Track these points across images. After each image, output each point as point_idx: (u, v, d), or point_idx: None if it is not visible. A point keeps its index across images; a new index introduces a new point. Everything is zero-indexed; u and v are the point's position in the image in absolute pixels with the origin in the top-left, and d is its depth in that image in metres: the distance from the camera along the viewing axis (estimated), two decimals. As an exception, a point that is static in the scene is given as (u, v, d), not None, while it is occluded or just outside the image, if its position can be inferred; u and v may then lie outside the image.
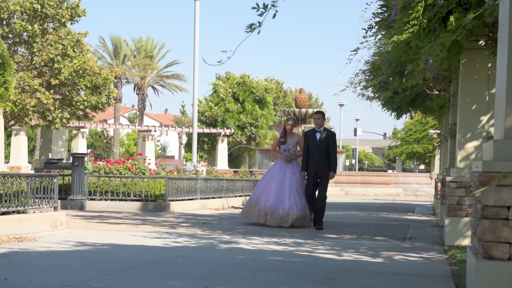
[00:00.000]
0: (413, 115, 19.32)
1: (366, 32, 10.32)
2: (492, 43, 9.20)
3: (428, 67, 8.51)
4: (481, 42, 9.56)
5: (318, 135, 12.56)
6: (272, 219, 12.33)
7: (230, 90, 55.54)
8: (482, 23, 8.23)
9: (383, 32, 10.02)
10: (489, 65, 9.59)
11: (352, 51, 10.74)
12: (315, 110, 13.61)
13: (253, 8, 4.78)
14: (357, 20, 9.74)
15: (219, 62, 5.14)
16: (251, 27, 4.77)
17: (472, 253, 4.80)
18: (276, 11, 4.85)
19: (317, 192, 12.74)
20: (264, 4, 4.79)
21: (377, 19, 9.83)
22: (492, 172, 4.46)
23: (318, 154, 12.45)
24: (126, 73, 60.89)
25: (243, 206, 14.70)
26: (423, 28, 8.36)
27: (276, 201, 12.39)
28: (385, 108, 16.53)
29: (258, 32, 4.80)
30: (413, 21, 8.12)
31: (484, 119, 9.70)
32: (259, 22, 4.76)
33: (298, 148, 12.96)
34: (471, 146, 9.79)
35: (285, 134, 13.05)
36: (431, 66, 8.42)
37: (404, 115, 17.81)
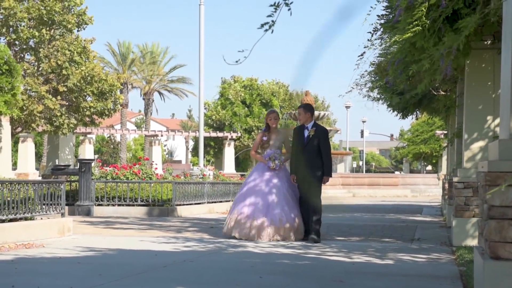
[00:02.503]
0: (419, 116, 19.28)
1: (372, 35, 10.31)
2: (498, 42, 9.18)
3: (448, 71, 8.50)
4: (487, 42, 9.54)
5: (306, 133, 10.53)
6: (261, 234, 10.27)
7: (240, 93, 55.48)
8: (487, 22, 8.21)
9: (388, 34, 10.02)
10: (495, 65, 9.57)
11: (359, 56, 10.71)
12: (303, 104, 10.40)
13: (271, 5, 4.81)
14: (362, 23, 9.73)
15: (237, 61, 5.22)
16: (269, 26, 4.80)
17: (479, 254, 4.78)
18: (289, 8, 4.87)
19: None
20: (275, 3, 4.82)
21: (382, 21, 9.84)
22: (498, 172, 4.44)
23: (305, 155, 10.42)
24: (132, 79, 61.00)
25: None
26: (427, 29, 8.35)
27: (263, 212, 10.32)
28: (391, 109, 16.51)
29: (272, 31, 4.83)
30: (416, 22, 8.11)
31: (490, 119, 9.68)
32: (272, 21, 4.79)
33: (284, 149, 11.04)
34: (477, 146, 9.77)
35: (268, 131, 10.92)
36: (449, 70, 8.41)
37: (410, 115, 17.79)
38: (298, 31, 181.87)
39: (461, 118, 12.08)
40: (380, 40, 10.77)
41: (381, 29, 10.00)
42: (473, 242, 9.59)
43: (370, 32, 10.19)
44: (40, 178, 27.61)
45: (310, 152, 10.44)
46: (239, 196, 10.83)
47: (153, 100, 63.83)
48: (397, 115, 16.90)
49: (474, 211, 9.82)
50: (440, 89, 14.70)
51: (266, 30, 4.77)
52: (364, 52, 10.70)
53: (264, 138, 10.90)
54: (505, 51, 4.72)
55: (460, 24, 7.88)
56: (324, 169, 10.44)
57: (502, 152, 4.49)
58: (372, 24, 10.11)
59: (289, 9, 4.98)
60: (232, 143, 49.17)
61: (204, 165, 29.67)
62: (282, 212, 10.34)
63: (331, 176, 10.60)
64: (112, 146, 73.50)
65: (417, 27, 8.15)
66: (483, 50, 9.62)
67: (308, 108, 10.73)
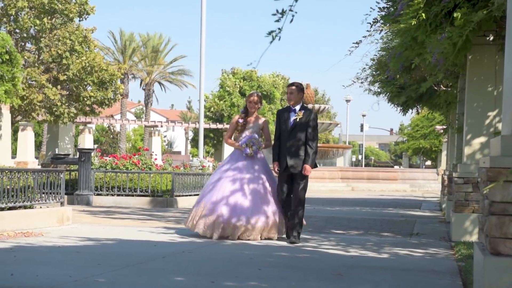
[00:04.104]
0: (419, 110, 19.28)
1: (371, 26, 10.30)
2: (500, 39, 9.16)
3: (433, 61, 8.50)
4: (489, 37, 9.52)
5: (292, 116, 9.15)
6: (226, 231, 9.15)
7: (238, 84, 55.35)
8: (490, 18, 8.20)
9: (388, 25, 10.02)
10: (497, 60, 9.56)
11: (354, 43, 10.70)
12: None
13: (273, 14, 4.77)
14: (364, 16, 9.74)
15: (248, 65, 5.27)
16: (274, 35, 4.79)
17: (479, 249, 4.78)
18: (293, 15, 4.85)
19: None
20: (282, 9, 4.80)
21: (383, 13, 9.83)
22: (500, 167, 4.43)
23: (290, 142, 9.09)
24: (133, 69, 60.96)
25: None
26: (429, 23, 8.35)
27: (233, 207, 9.08)
28: (391, 103, 16.50)
29: (279, 39, 4.83)
30: (413, 13, 8.12)
31: (491, 114, 9.67)
32: (279, 29, 4.78)
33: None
34: (478, 142, 9.76)
35: (246, 115, 9.62)
36: (436, 60, 8.41)
37: (411, 110, 17.78)
38: (296, 27, 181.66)
39: (462, 113, 12.08)
40: (379, 32, 10.78)
41: (381, 21, 10.01)
42: (472, 237, 9.60)
43: (370, 23, 10.19)
44: (39, 167, 27.61)
45: (296, 138, 9.10)
46: (208, 186, 9.49)
47: (153, 91, 63.81)
48: (397, 109, 16.91)
49: (474, 206, 9.82)
50: (441, 84, 14.69)
51: (273, 37, 4.76)
52: (361, 41, 10.69)
53: (240, 121, 9.55)
54: (509, 46, 4.70)
55: (458, 22, 7.88)
56: (306, 158, 9.07)
57: (504, 148, 4.48)
58: (371, 15, 10.12)
59: (293, 16, 4.93)
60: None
61: (203, 156, 29.69)
62: (253, 206, 9.14)
63: (312, 166, 9.15)
64: (111, 136, 73.45)
65: (414, 19, 8.16)
66: (485, 46, 9.60)
67: (301, 88, 9.27)
